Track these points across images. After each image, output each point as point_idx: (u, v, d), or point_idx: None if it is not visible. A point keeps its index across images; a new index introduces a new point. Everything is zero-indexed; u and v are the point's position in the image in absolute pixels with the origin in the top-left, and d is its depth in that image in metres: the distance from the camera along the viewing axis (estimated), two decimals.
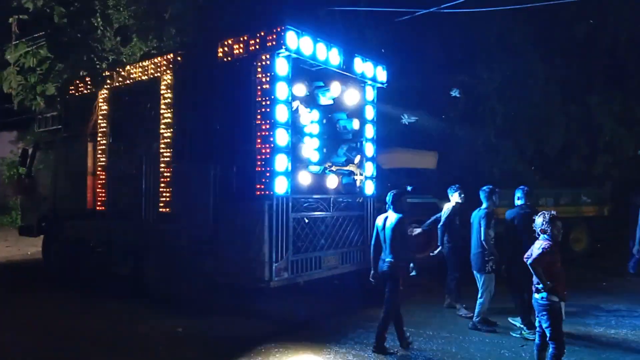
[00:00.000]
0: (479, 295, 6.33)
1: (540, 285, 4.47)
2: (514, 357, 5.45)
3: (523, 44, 13.33)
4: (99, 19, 8.03)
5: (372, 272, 5.71)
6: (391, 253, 5.49)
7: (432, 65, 12.53)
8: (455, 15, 10.41)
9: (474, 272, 6.42)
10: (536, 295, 4.54)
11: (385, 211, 5.76)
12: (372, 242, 5.78)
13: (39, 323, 6.65)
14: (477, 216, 6.39)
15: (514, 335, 6.12)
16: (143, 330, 6.32)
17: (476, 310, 6.36)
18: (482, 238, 6.24)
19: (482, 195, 6.45)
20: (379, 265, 5.60)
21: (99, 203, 8.74)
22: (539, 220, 4.65)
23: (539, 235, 4.64)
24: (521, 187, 6.61)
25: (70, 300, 7.89)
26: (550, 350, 4.49)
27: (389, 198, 5.68)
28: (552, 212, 4.71)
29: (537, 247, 4.56)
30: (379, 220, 5.72)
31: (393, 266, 5.47)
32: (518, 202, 6.51)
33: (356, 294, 7.83)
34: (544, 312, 4.46)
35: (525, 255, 4.65)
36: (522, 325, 6.15)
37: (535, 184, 11.93)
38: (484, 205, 6.39)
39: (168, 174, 7.55)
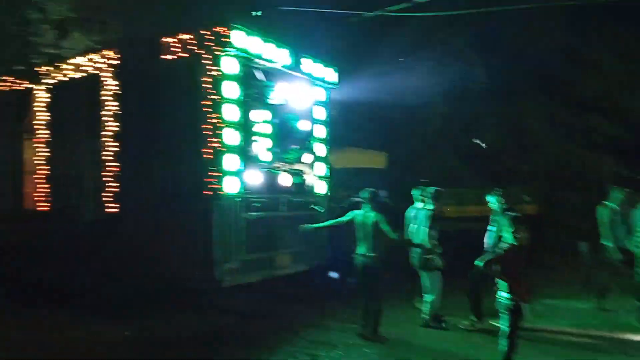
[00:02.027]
0: (428, 293, 6.50)
1: (502, 284, 4.54)
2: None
3: (464, 48, 13.86)
4: (35, 11, 7.61)
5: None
6: (373, 248, 5.82)
7: (380, 66, 12.78)
8: (399, 17, 10.65)
9: (419, 270, 6.60)
10: (498, 294, 4.62)
11: (356, 208, 6.08)
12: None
13: None
14: (421, 216, 6.55)
15: (461, 327, 6.37)
16: (88, 337, 6.07)
17: (426, 308, 6.51)
18: (426, 237, 6.39)
19: (428, 196, 6.59)
20: (360, 259, 5.89)
21: (36, 204, 8.30)
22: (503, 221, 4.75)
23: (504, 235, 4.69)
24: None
25: (5, 309, 7.43)
26: (501, 347, 4.58)
27: (365, 196, 5.94)
28: (516, 213, 4.81)
29: (500, 248, 4.66)
30: (357, 217, 5.97)
31: (375, 260, 5.79)
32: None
33: (309, 293, 7.86)
34: (504, 311, 4.56)
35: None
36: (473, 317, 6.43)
37: (470, 181, 12.38)
38: (430, 206, 6.55)
39: (112, 174, 7.28)
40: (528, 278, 4.69)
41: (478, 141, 13.51)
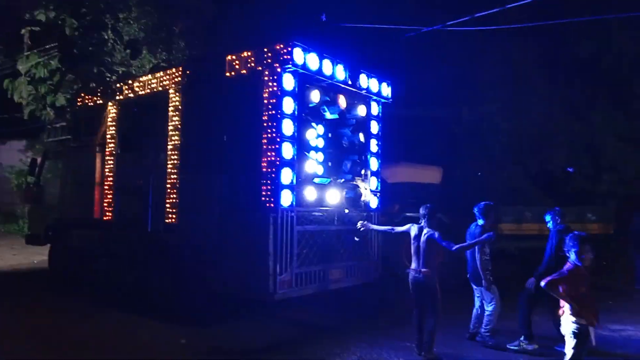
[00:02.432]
0: (486, 308, 6.34)
1: (567, 307, 4.39)
2: None
3: (525, 62, 13.47)
4: (109, 32, 8.19)
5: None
6: (426, 264, 5.75)
7: (437, 81, 12.66)
8: (459, 33, 10.54)
9: (474, 286, 6.47)
10: (564, 317, 4.46)
11: (417, 223, 6.03)
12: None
13: (43, 331, 6.70)
14: (475, 232, 6.40)
15: (512, 347, 6.14)
16: (146, 340, 6.35)
17: (483, 324, 6.36)
18: (477, 254, 6.24)
19: (477, 212, 6.44)
20: (414, 275, 5.84)
21: (106, 213, 8.83)
22: (568, 241, 4.56)
23: (568, 255, 4.55)
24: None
25: (75, 309, 7.94)
26: None
27: (422, 211, 5.93)
28: (582, 233, 4.64)
29: (564, 269, 4.49)
30: (413, 230, 5.95)
31: (429, 276, 5.73)
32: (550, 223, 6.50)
33: (360, 307, 7.83)
34: (569, 335, 4.39)
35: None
36: (523, 339, 6.20)
37: (539, 202, 11.95)
38: (481, 221, 6.40)
39: (175, 186, 7.64)
40: (593, 300, 4.48)
41: (569, 169, 12.96)
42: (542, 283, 4.51)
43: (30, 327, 6.91)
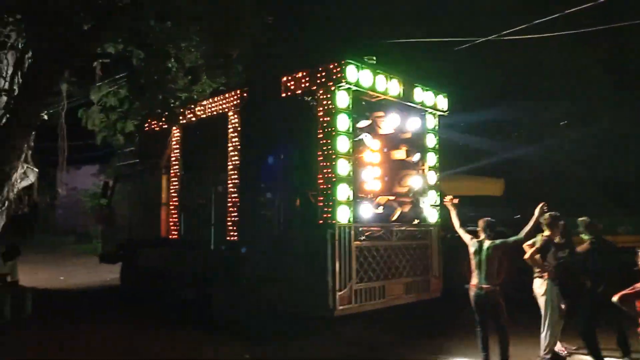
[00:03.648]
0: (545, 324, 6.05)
1: None
2: None
3: (592, 68, 12.87)
4: (172, 61, 8.66)
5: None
6: (488, 280, 5.62)
7: (497, 91, 12.34)
8: (517, 41, 10.27)
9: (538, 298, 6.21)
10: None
11: (476, 236, 5.94)
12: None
13: (112, 346, 7.02)
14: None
15: None
16: (210, 356, 6.52)
17: (544, 340, 6.05)
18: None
19: (543, 223, 6.19)
20: (475, 292, 5.71)
21: (171, 232, 9.23)
22: None
23: None
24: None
25: (144, 325, 8.29)
26: None
27: (484, 225, 5.84)
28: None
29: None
30: (473, 245, 5.84)
31: (492, 292, 5.60)
32: None
33: (421, 324, 7.67)
34: None
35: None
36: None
37: (610, 212, 11.27)
38: (546, 233, 6.15)
39: (235, 204, 7.87)
40: None
41: None
42: (615, 298, 4.27)
43: (101, 342, 7.28)
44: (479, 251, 5.77)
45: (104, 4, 8.49)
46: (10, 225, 11.02)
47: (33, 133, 10.86)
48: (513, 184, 11.77)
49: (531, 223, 5.78)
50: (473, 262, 5.82)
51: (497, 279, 5.65)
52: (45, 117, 12.47)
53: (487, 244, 5.75)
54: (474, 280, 5.76)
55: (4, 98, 11.06)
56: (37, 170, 11.49)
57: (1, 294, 7.84)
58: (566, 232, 6.36)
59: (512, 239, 5.75)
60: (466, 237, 6.04)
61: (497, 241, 5.71)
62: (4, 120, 10.62)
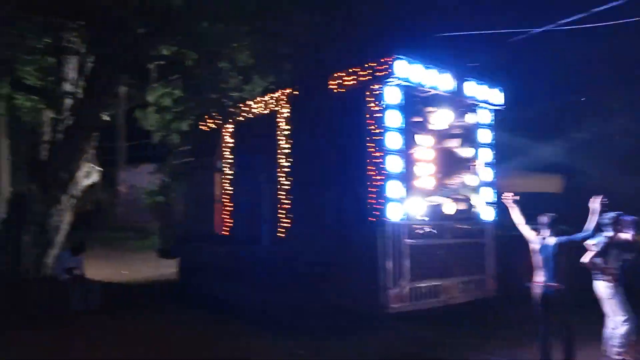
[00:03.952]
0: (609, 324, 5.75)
1: None
2: None
3: None
4: (225, 62, 8.88)
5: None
6: (555, 277, 5.47)
7: (556, 85, 11.81)
8: (576, 31, 9.77)
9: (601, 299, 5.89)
10: None
11: (538, 233, 5.73)
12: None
13: (170, 340, 7.26)
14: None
15: None
16: (266, 352, 6.62)
17: (611, 340, 5.75)
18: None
19: (606, 222, 5.87)
20: (542, 290, 5.54)
21: (224, 228, 9.46)
22: None
23: None
24: None
25: (198, 319, 8.52)
26: None
27: (546, 220, 5.65)
28: None
29: None
30: (536, 241, 5.67)
31: (560, 290, 5.44)
32: None
33: (477, 324, 7.49)
34: None
35: None
36: None
37: None
38: (609, 232, 5.81)
39: (286, 201, 7.96)
40: None
41: None
42: None
43: (157, 335, 7.55)
44: (544, 248, 5.59)
45: (161, 9, 8.79)
46: (76, 222, 11.68)
47: (95, 134, 11.43)
48: (572, 180, 11.25)
49: (591, 218, 5.51)
50: (537, 260, 5.63)
51: (564, 276, 5.47)
52: (106, 118, 13.10)
53: (552, 240, 5.56)
54: (540, 278, 5.57)
55: (69, 101, 11.70)
56: (100, 169, 12.08)
57: (70, 286, 8.30)
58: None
59: (579, 235, 5.50)
60: (530, 234, 5.82)
61: (563, 238, 5.53)
62: (69, 122, 11.24)
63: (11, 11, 8.58)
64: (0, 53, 10.09)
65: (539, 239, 5.69)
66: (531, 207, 6.14)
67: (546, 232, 5.64)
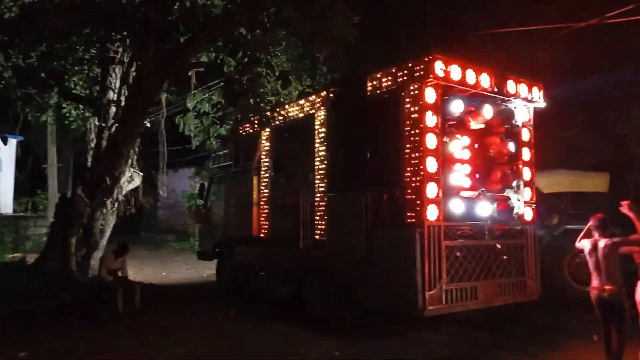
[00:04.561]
0: None
1: None
2: None
3: None
4: (263, 67, 9.02)
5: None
6: (610, 280, 5.29)
7: (598, 79, 11.41)
8: (624, 23, 9.42)
9: None
10: None
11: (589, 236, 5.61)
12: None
13: (211, 338, 7.43)
14: None
15: None
16: (302, 351, 6.69)
17: None
18: None
19: None
20: (597, 294, 5.39)
21: (262, 231, 9.59)
22: None
23: None
24: None
25: (239, 319, 8.68)
26: None
27: (595, 223, 5.51)
28: None
29: None
30: (587, 245, 5.54)
31: (615, 294, 5.27)
32: None
33: (517, 327, 7.32)
34: None
35: None
36: None
37: None
38: None
39: (323, 204, 8.00)
40: None
41: None
42: None
43: (199, 333, 7.74)
44: (594, 250, 5.45)
45: (201, 17, 9.02)
46: (119, 225, 12.10)
47: (138, 140, 11.84)
48: (621, 178, 10.82)
49: (636, 222, 5.31)
50: (590, 263, 5.50)
51: (620, 279, 5.30)
52: (148, 124, 13.54)
53: (602, 242, 5.40)
54: (595, 283, 5.44)
55: (113, 109, 12.17)
56: (141, 174, 12.49)
57: (114, 287, 8.60)
58: None
59: (634, 236, 5.32)
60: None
61: (616, 239, 5.36)
62: (113, 129, 11.69)
63: (62, 26, 9.00)
64: (51, 66, 10.60)
65: (588, 242, 5.54)
66: (578, 207, 5.96)
67: (596, 234, 5.49)
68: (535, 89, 7.60)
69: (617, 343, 5.27)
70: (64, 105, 13.75)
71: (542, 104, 7.70)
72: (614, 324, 5.30)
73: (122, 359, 6.47)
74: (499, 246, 7.09)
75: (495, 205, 7.34)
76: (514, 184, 7.59)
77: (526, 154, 7.66)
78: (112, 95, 12.14)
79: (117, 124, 11.52)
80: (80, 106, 13.59)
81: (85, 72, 12.50)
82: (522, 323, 7.84)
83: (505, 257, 7.15)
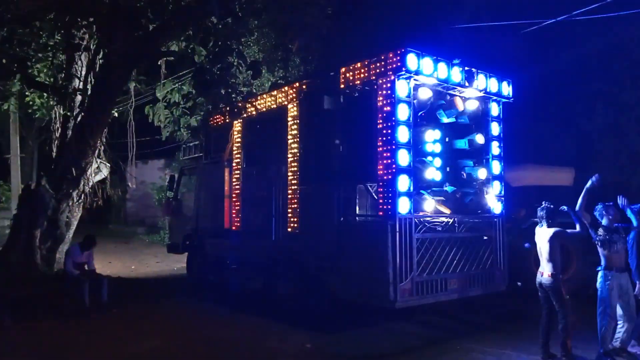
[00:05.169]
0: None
1: None
2: None
3: None
4: (234, 57, 8.87)
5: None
6: (549, 265, 5.68)
7: (563, 76, 11.69)
8: (589, 21, 9.66)
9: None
10: None
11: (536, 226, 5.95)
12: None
13: (182, 332, 7.33)
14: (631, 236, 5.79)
15: None
16: (273, 344, 6.67)
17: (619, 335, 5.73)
18: (634, 260, 5.69)
19: (631, 213, 5.82)
20: (538, 278, 5.82)
21: (234, 223, 9.50)
22: None
23: None
24: None
25: (210, 312, 8.60)
26: None
27: (543, 213, 5.83)
28: None
29: None
30: (536, 233, 5.92)
31: (553, 279, 5.64)
32: None
33: (485, 318, 7.47)
34: None
35: None
36: None
37: None
38: (635, 223, 5.77)
39: (295, 196, 7.97)
40: None
41: None
42: None
43: (169, 327, 7.63)
44: (540, 239, 5.84)
45: (170, 4, 8.80)
46: (86, 217, 11.77)
47: (105, 130, 11.50)
48: (584, 173, 11.13)
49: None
50: (537, 250, 5.88)
51: (559, 267, 5.68)
52: (116, 114, 13.17)
53: (546, 231, 5.78)
54: (539, 268, 5.84)
55: (79, 97, 11.78)
56: (109, 165, 12.16)
57: (80, 281, 8.38)
58: None
59: (569, 231, 5.75)
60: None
61: (557, 230, 5.73)
62: (79, 118, 11.33)
63: (25, 11, 8.65)
64: (13, 51, 10.18)
65: (538, 230, 5.91)
66: (545, 201, 6.11)
67: (544, 224, 5.84)
68: (504, 83, 7.73)
69: (561, 325, 5.59)
70: (27, 93, 13.24)
71: (510, 98, 7.84)
72: (553, 307, 5.68)
73: (88, 353, 6.32)
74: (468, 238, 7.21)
75: (464, 199, 7.45)
76: (483, 177, 7.71)
77: (495, 148, 7.79)
78: (78, 84, 11.72)
79: (83, 113, 11.16)
80: (45, 94, 13.10)
81: (50, 58, 12.03)
82: (491, 313, 8.02)
83: (474, 249, 7.28)
